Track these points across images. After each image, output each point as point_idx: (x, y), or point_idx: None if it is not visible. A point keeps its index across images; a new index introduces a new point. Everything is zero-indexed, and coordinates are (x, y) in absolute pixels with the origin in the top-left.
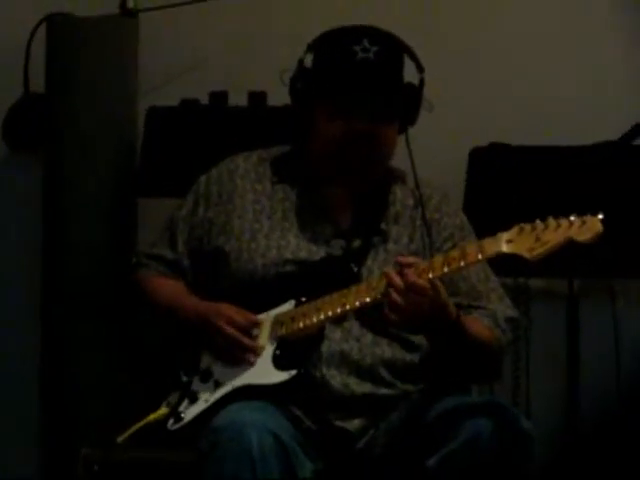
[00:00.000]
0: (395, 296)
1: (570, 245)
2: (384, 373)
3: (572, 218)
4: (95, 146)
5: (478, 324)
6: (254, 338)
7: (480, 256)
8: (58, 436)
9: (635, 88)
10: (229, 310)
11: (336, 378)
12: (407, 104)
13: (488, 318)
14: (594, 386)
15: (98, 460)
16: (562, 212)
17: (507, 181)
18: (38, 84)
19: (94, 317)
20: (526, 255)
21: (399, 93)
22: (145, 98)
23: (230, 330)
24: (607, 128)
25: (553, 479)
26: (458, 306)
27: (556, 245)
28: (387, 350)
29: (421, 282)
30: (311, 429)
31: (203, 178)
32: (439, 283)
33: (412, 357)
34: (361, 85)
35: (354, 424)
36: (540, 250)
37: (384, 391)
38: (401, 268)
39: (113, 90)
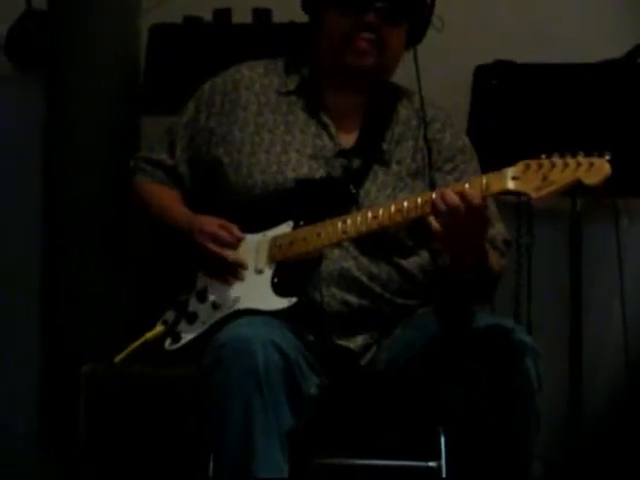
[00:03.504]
0: (444, 209)
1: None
2: (382, 291)
3: (580, 158)
4: (98, 64)
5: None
6: (244, 254)
7: (485, 192)
8: (59, 356)
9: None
10: (212, 226)
11: (336, 297)
12: (417, 18)
13: (487, 241)
14: (597, 304)
15: (100, 377)
16: (567, 130)
17: (512, 99)
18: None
19: (96, 237)
20: (533, 195)
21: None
22: (148, 16)
23: (213, 247)
24: (611, 46)
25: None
26: None
27: (564, 186)
28: (384, 270)
29: (478, 198)
30: (314, 343)
31: (207, 85)
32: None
33: (407, 280)
34: None
35: (356, 341)
36: (547, 190)
37: (384, 307)
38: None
39: (116, 7)
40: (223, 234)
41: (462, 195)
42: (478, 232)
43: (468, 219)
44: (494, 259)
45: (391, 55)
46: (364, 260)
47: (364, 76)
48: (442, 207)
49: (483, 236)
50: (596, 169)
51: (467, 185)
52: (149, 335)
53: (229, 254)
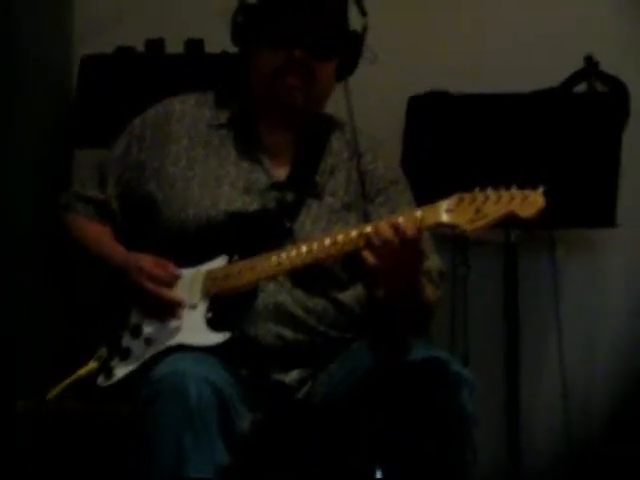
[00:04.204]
0: (378, 243)
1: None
2: (317, 324)
3: (513, 191)
4: (29, 96)
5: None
6: (177, 289)
7: (419, 225)
8: None
9: (576, 33)
10: (148, 263)
11: (271, 331)
12: (348, 50)
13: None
14: (533, 335)
15: (35, 413)
16: (502, 161)
17: (446, 130)
18: None
19: (30, 269)
20: (466, 227)
21: (341, 32)
22: (80, 46)
23: (150, 286)
24: (547, 74)
25: (493, 430)
26: None
27: (497, 219)
28: (319, 303)
29: (412, 231)
30: (248, 379)
31: (138, 120)
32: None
33: (343, 313)
34: (304, 16)
35: (291, 376)
36: (480, 223)
37: (319, 341)
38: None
39: (47, 38)
40: (160, 272)
41: (396, 228)
42: (413, 266)
43: (402, 252)
44: (430, 291)
45: (321, 89)
46: (299, 294)
47: (294, 112)
48: (376, 241)
49: (418, 270)
50: (530, 202)
51: (401, 218)
52: (82, 372)
53: (166, 293)
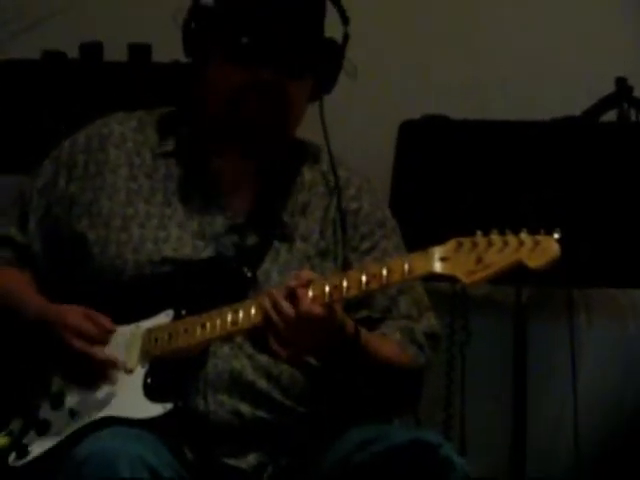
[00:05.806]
0: (281, 326)
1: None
2: (283, 398)
3: (523, 236)
4: None
5: (387, 342)
6: (111, 349)
7: (407, 276)
8: None
9: (605, 52)
10: (75, 317)
11: (225, 405)
12: (325, 63)
13: (402, 333)
14: (545, 417)
15: None
16: (511, 201)
17: (444, 162)
18: None
19: None
20: (464, 280)
21: (316, 44)
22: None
23: (78, 344)
24: (565, 102)
25: None
26: (369, 319)
27: (502, 270)
28: (285, 371)
29: (316, 311)
30: (195, 462)
31: (67, 143)
32: (337, 306)
33: (315, 380)
34: (271, 26)
35: (248, 461)
36: (482, 274)
37: (284, 419)
38: (293, 289)
39: None
40: (90, 327)
41: (293, 298)
42: (322, 337)
43: (304, 329)
44: (403, 354)
45: (293, 112)
46: (261, 359)
47: (257, 141)
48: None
49: (334, 338)
50: (542, 249)
51: (364, 276)
52: None
53: (97, 352)
